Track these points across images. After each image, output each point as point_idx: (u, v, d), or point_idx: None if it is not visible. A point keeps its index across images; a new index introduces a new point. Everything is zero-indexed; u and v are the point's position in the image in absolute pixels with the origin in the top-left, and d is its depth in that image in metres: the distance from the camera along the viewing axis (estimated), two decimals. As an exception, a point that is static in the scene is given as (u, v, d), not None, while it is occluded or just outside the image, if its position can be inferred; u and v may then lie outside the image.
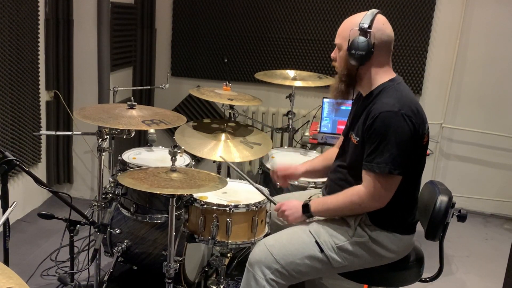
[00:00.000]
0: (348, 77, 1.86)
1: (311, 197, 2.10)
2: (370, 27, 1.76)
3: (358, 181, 1.83)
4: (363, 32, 1.76)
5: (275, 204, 2.04)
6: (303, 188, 2.46)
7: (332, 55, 1.94)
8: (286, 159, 2.73)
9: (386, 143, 1.71)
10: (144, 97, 4.28)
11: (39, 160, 3.41)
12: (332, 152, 2.19)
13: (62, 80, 3.49)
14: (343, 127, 2.28)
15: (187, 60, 4.27)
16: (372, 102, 1.81)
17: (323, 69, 4.02)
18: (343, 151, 1.99)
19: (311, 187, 2.46)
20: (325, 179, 2.18)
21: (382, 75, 1.85)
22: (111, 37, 3.51)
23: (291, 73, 3.41)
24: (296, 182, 2.47)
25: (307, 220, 1.96)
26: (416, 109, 1.77)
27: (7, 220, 1.65)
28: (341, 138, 2.15)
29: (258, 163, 2.81)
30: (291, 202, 1.98)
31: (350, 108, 2.07)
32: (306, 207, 1.92)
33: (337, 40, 1.89)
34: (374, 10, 1.82)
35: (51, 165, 3.56)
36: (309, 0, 3.95)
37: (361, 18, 1.79)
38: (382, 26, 1.82)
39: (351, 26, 1.80)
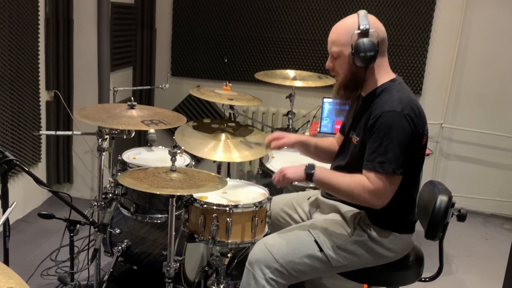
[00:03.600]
0: (354, 81, 1.85)
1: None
2: (370, 27, 1.77)
3: None
4: (365, 33, 1.76)
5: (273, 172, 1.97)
6: (302, 189, 2.47)
7: (328, 65, 1.90)
8: (286, 159, 2.73)
9: (389, 142, 1.71)
10: (144, 97, 4.28)
11: (39, 160, 3.41)
12: (329, 141, 2.18)
13: (62, 80, 3.49)
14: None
15: (187, 60, 4.27)
16: (374, 102, 1.81)
17: (323, 69, 4.01)
18: (342, 151, 1.99)
19: (310, 187, 2.46)
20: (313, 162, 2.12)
21: (383, 75, 1.85)
22: (111, 37, 3.51)
23: (291, 73, 3.41)
24: (296, 183, 2.47)
25: (308, 217, 1.95)
26: (417, 110, 1.77)
27: (7, 220, 1.65)
28: (338, 134, 2.14)
29: (258, 163, 2.81)
30: (291, 166, 1.90)
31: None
32: (311, 166, 1.84)
33: (333, 49, 1.84)
34: (363, 11, 1.82)
35: (51, 165, 3.56)
36: (309, 0, 3.96)
37: (354, 22, 1.79)
38: (378, 24, 1.83)
39: (349, 30, 1.79)
